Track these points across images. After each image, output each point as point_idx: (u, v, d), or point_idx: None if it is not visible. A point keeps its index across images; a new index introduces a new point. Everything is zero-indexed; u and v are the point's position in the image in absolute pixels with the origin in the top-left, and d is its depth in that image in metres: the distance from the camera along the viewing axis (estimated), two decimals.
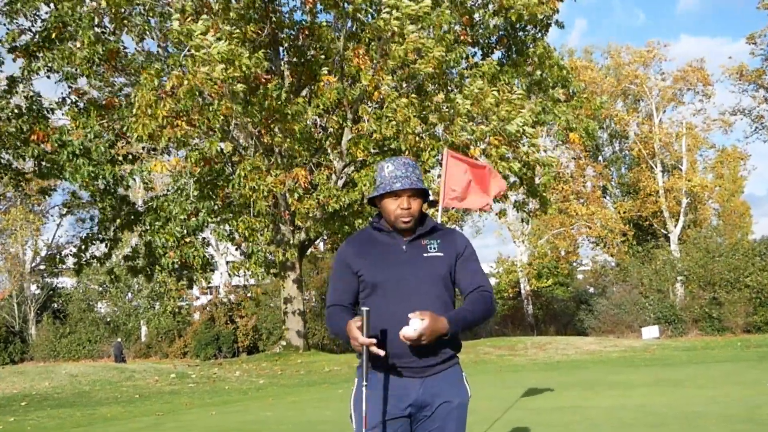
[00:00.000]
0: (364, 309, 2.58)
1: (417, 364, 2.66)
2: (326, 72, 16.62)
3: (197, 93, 14.21)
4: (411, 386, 2.67)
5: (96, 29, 16.22)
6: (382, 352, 2.58)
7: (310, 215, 17.25)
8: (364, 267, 2.74)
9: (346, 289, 2.79)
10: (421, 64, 15.29)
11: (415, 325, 2.50)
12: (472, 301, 2.73)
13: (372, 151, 17.42)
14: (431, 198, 2.84)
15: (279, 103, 15.27)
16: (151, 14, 15.95)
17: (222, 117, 14.99)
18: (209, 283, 21.65)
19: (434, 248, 2.76)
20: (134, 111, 14.78)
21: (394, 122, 15.66)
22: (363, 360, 2.57)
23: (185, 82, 13.83)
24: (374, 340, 2.56)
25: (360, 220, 17.90)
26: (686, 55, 66.56)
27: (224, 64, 13.46)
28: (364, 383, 2.58)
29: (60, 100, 17.95)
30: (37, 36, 16.55)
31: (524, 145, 17.32)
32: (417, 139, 16.37)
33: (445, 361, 2.72)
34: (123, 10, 15.72)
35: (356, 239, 2.86)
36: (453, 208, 16.92)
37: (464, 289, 2.77)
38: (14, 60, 16.75)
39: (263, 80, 15.15)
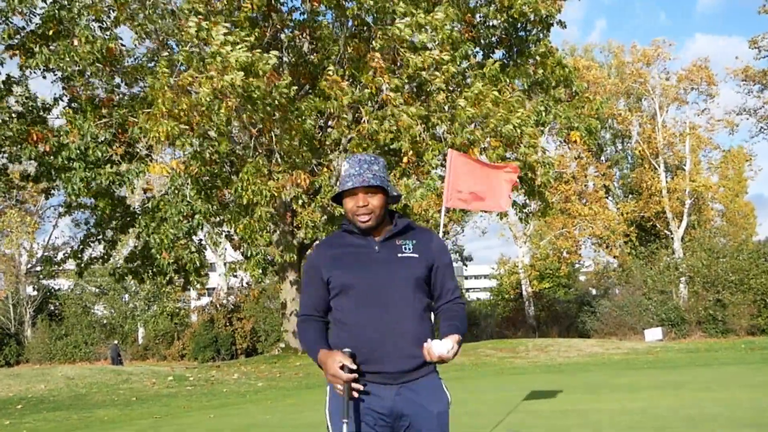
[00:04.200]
0: (348, 350, 2.54)
1: (391, 368, 2.59)
2: (331, 72, 16.48)
3: (218, 97, 14.08)
4: (386, 394, 2.59)
5: (94, 24, 16.12)
6: (360, 387, 2.54)
7: (317, 222, 17.11)
8: (334, 270, 2.66)
9: (318, 297, 2.72)
10: (432, 77, 15.40)
11: (448, 346, 2.52)
12: (456, 317, 2.70)
13: (374, 152, 17.31)
14: (395, 193, 2.79)
15: (287, 100, 15.17)
16: (152, 10, 15.83)
17: (224, 117, 14.87)
18: (204, 285, 21.56)
19: (409, 248, 2.68)
20: (153, 111, 14.63)
21: (395, 127, 15.62)
22: (344, 397, 2.50)
23: (206, 86, 13.70)
24: (355, 375, 2.52)
25: None
26: (701, 54, 66.43)
27: (243, 72, 13.40)
28: (345, 420, 2.50)
29: (55, 99, 17.86)
30: (32, 33, 16.44)
31: (523, 146, 17.21)
32: (419, 139, 16.28)
33: (420, 368, 2.63)
34: (129, 5, 15.62)
35: (326, 242, 2.79)
36: (456, 208, 16.83)
37: (442, 296, 2.73)
38: (11, 57, 16.65)
39: (273, 79, 15.05)
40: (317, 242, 3.13)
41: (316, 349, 2.62)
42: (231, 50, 13.47)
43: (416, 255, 2.67)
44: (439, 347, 2.50)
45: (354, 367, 2.52)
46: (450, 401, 2.69)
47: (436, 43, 15.76)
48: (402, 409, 2.58)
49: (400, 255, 2.66)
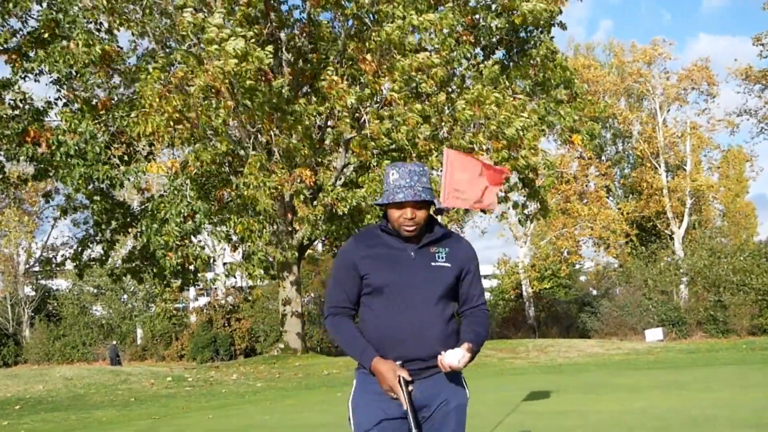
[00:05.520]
0: (400, 362, 2.65)
1: (416, 366, 2.70)
2: (331, 72, 16.42)
3: (210, 90, 14.03)
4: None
5: (90, 26, 16.08)
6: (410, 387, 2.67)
7: (317, 219, 17.05)
8: (372, 269, 2.74)
9: (349, 292, 2.80)
10: (422, 81, 15.37)
11: (458, 356, 2.63)
12: (479, 323, 2.82)
13: (374, 152, 17.25)
14: (439, 206, 2.84)
15: (282, 100, 15.11)
16: (148, 11, 15.79)
17: (223, 115, 14.82)
18: (213, 285, 21.51)
19: (442, 258, 2.79)
20: (142, 104, 14.59)
21: (405, 127, 15.56)
22: (408, 408, 2.61)
23: (197, 79, 13.66)
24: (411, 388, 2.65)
25: (362, 222, 17.72)
26: (705, 54, 66.31)
27: (237, 60, 13.38)
28: (415, 430, 2.61)
29: (53, 100, 17.83)
30: (28, 36, 16.40)
31: (524, 149, 17.17)
32: (426, 142, 16.24)
33: None
34: (123, 7, 15.58)
35: (363, 239, 2.85)
36: (454, 208, 16.76)
37: (467, 302, 2.85)
38: (6, 62, 16.61)
39: (269, 77, 15.01)
40: (353, 235, 3.14)
41: (369, 355, 2.69)
42: (227, 38, 13.46)
43: (449, 264, 2.78)
44: (450, 358, 2.62)
45: (410, 378, 2.64)
46: (468, 396, 2.81)
47: (431, 47, 15.72)
48: (423, 400, 2.70)
49: (433, 263, 2.76)
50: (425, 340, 2.69)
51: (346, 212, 16.74)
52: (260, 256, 16.76)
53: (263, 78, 14.78)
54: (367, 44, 16.40)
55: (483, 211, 25.57)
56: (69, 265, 20.76)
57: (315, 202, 16.99)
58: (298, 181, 16.02)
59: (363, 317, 2.79)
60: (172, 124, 14.60)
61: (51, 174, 17.07)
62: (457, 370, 2.65)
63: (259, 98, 14.51)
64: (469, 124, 16.35)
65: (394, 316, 2.70)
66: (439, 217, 8.56)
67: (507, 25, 18.84)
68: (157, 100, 14.23)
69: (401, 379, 2.61)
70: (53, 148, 16.17)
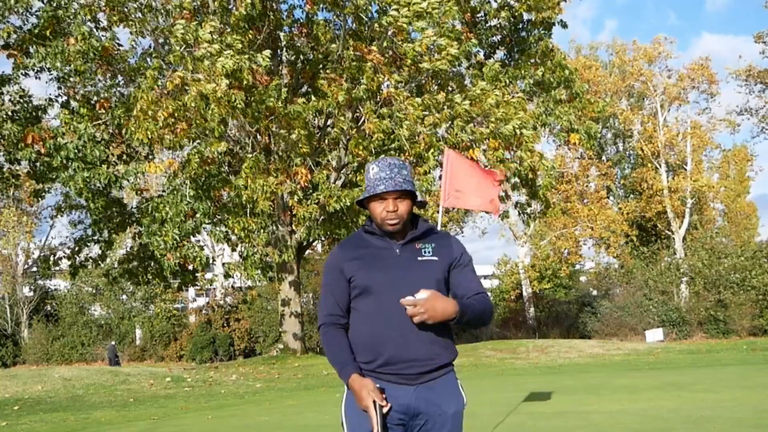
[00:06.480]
0: (379, 386, 2.57)
1: (411, 370, 2.62)
2: (330, 71, 16.37)
3: (203, 98, 14.01)
4: (403, 394, 2.62)
5: (90, 24, 16.06)
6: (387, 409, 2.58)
7: (311, 218, 17.02)
8: (357, 270, 2.69)
9: (339, 298, 2.75)
10: (436, 61, 15.20)
11: (422, 294, 2.51)
12: (478, 300, 2.70)
13: (373, 150, 17.22)
14: (420, 199, 2.76)
15: (279, 103, 15.10)
16: (147, 10, 15.77)
17: (219, 117, 14.81)
18: (212, 284, 21.52)
19: (428, 252, 2.72)
20: (134, 113, 14.60)
21: (407, 122, 15.50)
22: (377, 422, 2.52)
23: (193, 90, 13.65)
24: (388, 406, 2.57)
25: (360, 221, 17.71)
26: (709, 53, 66.31)
27: (229, 80, 13.36)
28: None
29: (53, 98, 17.78)
30: (29, 33, 16.38)
31: (521, 150, 17.12)
32: (428, 139, 16.21)
33: (440, 369, 2.67)
34: (123, 6, 15.57)
35: (348, 243, 2.81)
36: (454, 208, 16.73)
37: (462, 295, 2.71)
38: (8, 57, 16.59)
39: (264, 81, 14.98)
40: (339, 242, 3.14)
41: (347, 371, 2.63)
42: (218, 52, 13.43)
43: (436, 258, 2.71)
44: (419, 294, 2.53)
45: (384, 404, 2.55)
46: (465, 402, 2.73)
47: (434, 31, 15.63)
48: (418, 407, 2.63)
49: (420, 258, 2.70)
50: (416, 340, 2.60)
51: (337, 209, 16.68)
52: (256, 257, 16.74)
53: (260, 82, 14.76)
54: (371, 33, 16.32)
55: (486, 211, 25.57)
56: (64, 265, 20.75)
57: (309, 201, 16.97)
58: (294, 182, 15.99)
59: (352, 321, 2.73)
60: (168, 127, 14.57)
61: (53, 177, 17.04)
62: (419, 303, 2.50)
63: (249, 111, 14.50)
64: (468, 120, 16.28)
65: (381, 316, 2.63)
66: (439, 219, 8.50)
67: (509, 19, 18.80)
68: (152, 106, 14.21)
69: (376, 404, 2.52)
70: (51, 150, 16.14)
